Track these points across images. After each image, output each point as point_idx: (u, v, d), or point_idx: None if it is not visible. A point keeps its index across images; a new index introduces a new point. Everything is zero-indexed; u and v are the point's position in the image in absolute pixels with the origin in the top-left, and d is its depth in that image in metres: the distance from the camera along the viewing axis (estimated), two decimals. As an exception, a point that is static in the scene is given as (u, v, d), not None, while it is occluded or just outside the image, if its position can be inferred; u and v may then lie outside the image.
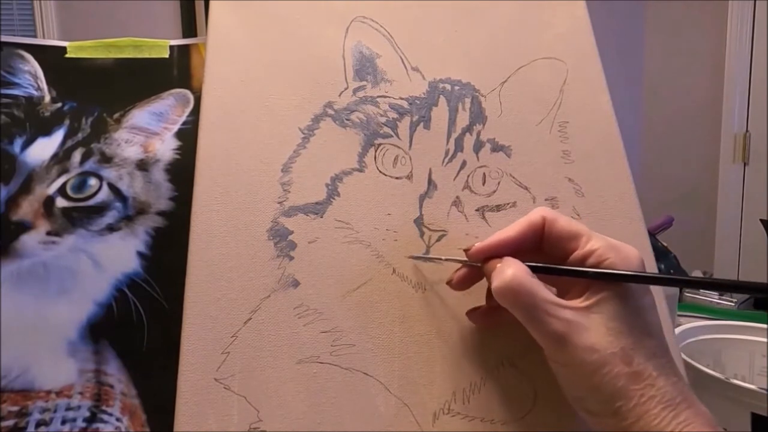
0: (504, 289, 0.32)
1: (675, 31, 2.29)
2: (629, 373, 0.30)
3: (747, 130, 2.14)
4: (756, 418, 0.48)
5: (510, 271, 0.32)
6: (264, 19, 0.41)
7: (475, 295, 0.38)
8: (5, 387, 0.33)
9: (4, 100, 0.38)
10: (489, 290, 0.36)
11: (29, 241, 0.35)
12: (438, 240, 0.38)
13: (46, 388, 0.34)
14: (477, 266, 0.35)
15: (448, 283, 0.37)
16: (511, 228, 0.35)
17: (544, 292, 0.32)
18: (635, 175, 0.42)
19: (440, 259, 0.37)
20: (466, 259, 0.36)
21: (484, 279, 0.36)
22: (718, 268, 2.14)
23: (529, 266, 0.33)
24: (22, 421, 0.33)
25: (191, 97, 0.40)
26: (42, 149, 0.37)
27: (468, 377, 0.37)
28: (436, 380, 0.36)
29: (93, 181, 0.37)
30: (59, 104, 0.39)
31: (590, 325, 0.31)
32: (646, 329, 0.31)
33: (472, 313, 0.37)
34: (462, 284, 0.37)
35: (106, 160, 0.38)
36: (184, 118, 0.40)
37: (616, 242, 0.33)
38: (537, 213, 0.35)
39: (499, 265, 0.33)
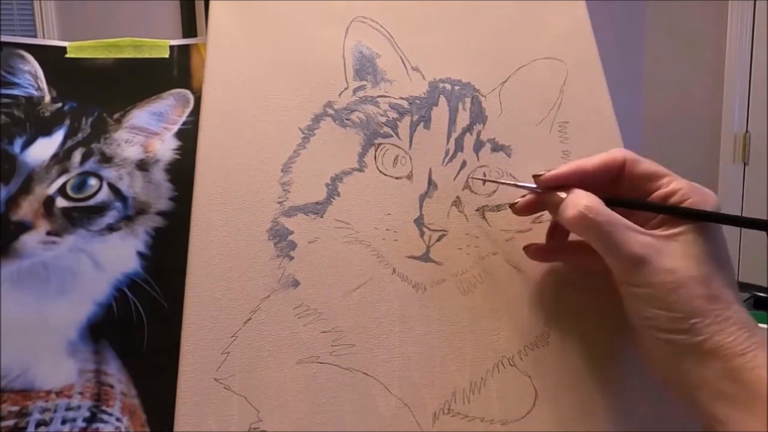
0: (582, 216, 0.33)
1: (675, 31, 2.29)
2: (707, 295, 0.31)
3: (747, 130, 2.14)
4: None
5: (585, 199, 0.33)
6: (264, 19, 0.41)
7: (478, 294, 0.38)
8: (5, 387, 0.33)
9: (4, 100, 0.38)
10: (551, 230, 0.38)
11: (29, 241, 0.35)
12: (438, 240, 0.38)
13: (46, 388, 0.34)
14: (540, 194, 0.36)
15: (512, 206, 0.38)
16: (587, 161, 0.35)
17: (622, 218, 0.33)
18: (635, 175, 0.42)
19: (500, 182, 0.39)
20: (527, 185, 0.37)
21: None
22: (718, 268, 2.14)
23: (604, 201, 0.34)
24: (22, 421, 0.33)
25: (191, 97, 0.40)
26: (42, 149, 0.37)
27: (468, 377, 0.37)
28: (436, 380, 0.36)
29: (93, 181, 0.37)
30: (59, 104, 0.39)
31: (670, 250, 0.32)
32: (722, 262, 0.32)
33: (529, 248, 0.38)
34: (525, 210, 0.38)
35: (106, 160, 0.38)
36: (184, 118, 0.39)
37: (697, 185, 0.34)
38: (619, 152, 0.35)
39: (570, 196, 0.34)
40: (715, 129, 2.20)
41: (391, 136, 0.40)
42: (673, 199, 0.34)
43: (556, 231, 0.38)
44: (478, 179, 0.39)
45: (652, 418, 0.38)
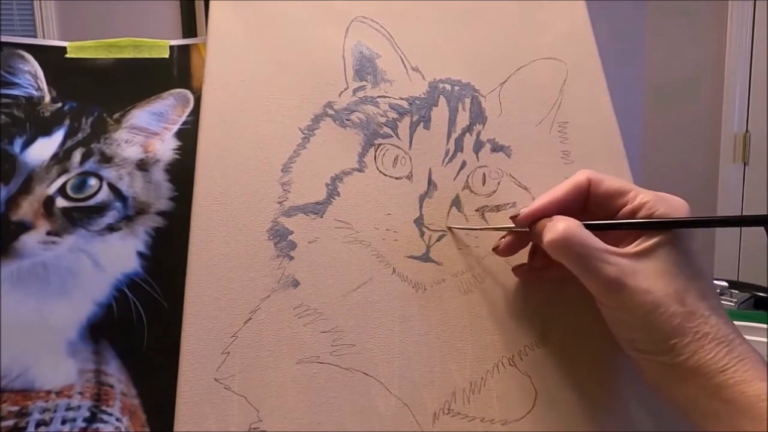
0: (558, 241, 0.33)
1: (675, 30, 2.29)
2: (684, 312, 0.31)
3: (747, 130, 2.13)
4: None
5: (562, 224, 0.33)
6: (264, 19, 0.41)
7: (478, 294, 0.38)
8: (5, 387, 0.33)
9: (4, 100, 0.38)
10: (532, 251, 0.38)
11: (29, 241, 0.35)
12: (438, 240, 0.38)
13: (46, 388, 0.34)
14: (524, 231, 0.36)
15: (494, 249, 0.38)
16: (556, 190, 0.36)
17: (597, 241, 0.33)
18: (635, 175, 0.42)
19: (483, 228, 0.39)
20: (508, 226, 0.37)
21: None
22: (718, 268, 2.14)
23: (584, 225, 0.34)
24: (22, 421, 0.33)
25: (191, 97, 0.40)
26: (42, 149, 0.37)
27: (468, 377, 0.37)
28: (436, 380, 0.36)
29: (93, 181, 0.37)
30: (59, 104, 0.39)
31: (643, 270, 0.32)
32: (695, 272, 0.32)
33: (517, 269, 0.38)
34: (508, 251, 0.38)
35: (106, 160, 0.38)
36: (184, 118, 0.39)
37: (664, 194, 0.34)
38: (582, 174, 0.35)
39: (549, 223, 0.34)
40: (715, 129, 2.20)
41: (391, 136, 0.40)
42: (641, 213, 0.33)
43: (538, 250, 0.38)
44: (458, 228, 0.39)
45: (652, 418, 0.38)
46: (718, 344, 0.31)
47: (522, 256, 0.39)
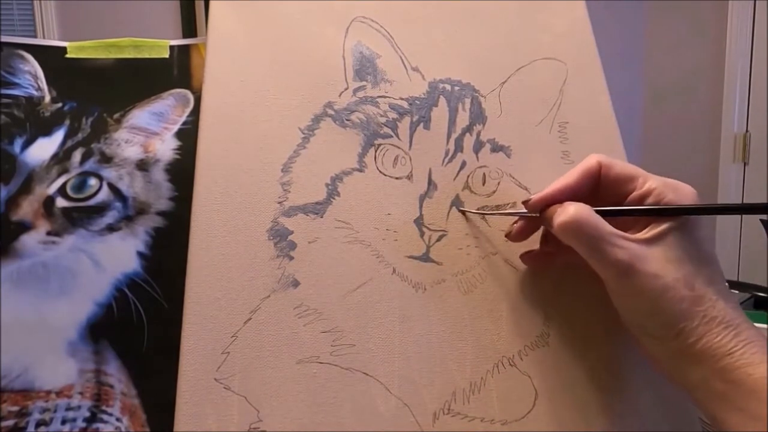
0: (569, 224, 0.33)
1: (675, 31, 2.29)
2: (692, 297, 0.32)
3: (747, 130, 2.14)
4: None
5: (573, 207, 0.34)
6: (264, 19, 0.41)
7: (478, 294, 0.38)
8: (5, 387, 0.33)
9: (4, 100, 0.38)
10: (543, 235, 0.38)
11: (29, 241, 0.35)
12: (438, 240, 0.38)
13: (46, 388, 0.34)
14: (535, 217, 0.36)
15: (507, 235, 0.39)
16: (568, 175, 0.36)
17: (608, 225, 0.33)
18: (635, 175, 0.42)
19: (495, 213, 0.39)
20: (518, 211, 0.38)
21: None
22: (718, 268, 2.14)
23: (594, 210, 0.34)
24: (22, 421, 0.33)
25: (191, 97, 0.40)
26: (42, 149, 0.37)
27: (468, 377, 0.37)
28: (436, 380, 0.36)
29: (93, 181, 0.37)
30: (59, 104, 0.39)
31: (654, 255, 0.32)
32: (703, 258, 0.33)
33: (525, 255, 0.39)
34: (520, 236, 0.38)
35: (106, 160, 0.38)
36: (184, 118, 0.39)
37: (672, 181, 0.35)
38: (592, 159, 0.36)
39: (560, 207, 0.34)
40: (715, 129, 2.20)
41: (391, 136, 0.40)
42: (650, 200, 0.34)
43: (550, 235, 0.38)
44: (471, 212, 0.39)
45: (652, 418, 0.38)
46: (726, 328, 0.31)
47: (529, 245, 0.39)
